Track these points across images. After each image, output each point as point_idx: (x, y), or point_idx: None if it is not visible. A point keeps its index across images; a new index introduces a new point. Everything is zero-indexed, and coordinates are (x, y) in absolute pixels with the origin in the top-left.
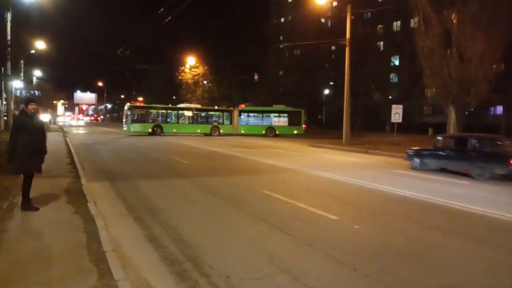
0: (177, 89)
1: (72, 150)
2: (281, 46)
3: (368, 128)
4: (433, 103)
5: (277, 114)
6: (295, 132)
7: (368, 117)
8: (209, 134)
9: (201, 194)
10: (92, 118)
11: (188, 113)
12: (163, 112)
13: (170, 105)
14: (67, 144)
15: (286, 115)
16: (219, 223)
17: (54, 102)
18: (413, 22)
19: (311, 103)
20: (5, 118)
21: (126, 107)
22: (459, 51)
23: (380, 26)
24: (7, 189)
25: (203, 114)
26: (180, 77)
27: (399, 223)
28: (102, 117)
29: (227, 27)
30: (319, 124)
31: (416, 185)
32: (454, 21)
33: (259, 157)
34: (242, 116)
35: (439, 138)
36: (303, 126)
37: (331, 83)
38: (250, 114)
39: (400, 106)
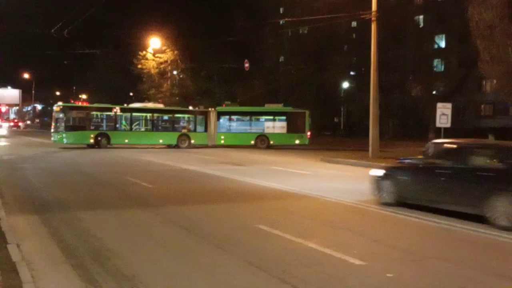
0: (136, 83)
1: None
2: (281, 22)
3: (405, 134)
4: (494, 100)
5: (271, 117)
6: (297, 141)
7: (405, 120)
8: (176, 146)
9: (170, 231)
10: (12, 123)
11: (146, 116)
12: (110, 115)
13: (125, 105)
14: None
15: (284, 117)
16: (196, 272)
17: None
18: None
19: (323, 101)
20: None
21: (56, 108)
22: None
23: None
24: None
25: (166, 117)
26: (140, 66)
27: (448, 267)
28: (28, 122)
29: None
30: (336, 130)
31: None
32: None
33: (250, 177)
34: (221, 120)
35: (430, 145)
36: (308, 133)
37: (351, 73)
38: (233, 116)
39: (448, 105)
